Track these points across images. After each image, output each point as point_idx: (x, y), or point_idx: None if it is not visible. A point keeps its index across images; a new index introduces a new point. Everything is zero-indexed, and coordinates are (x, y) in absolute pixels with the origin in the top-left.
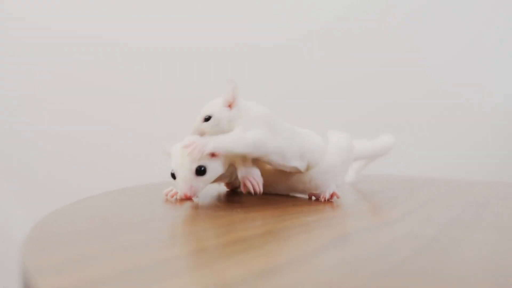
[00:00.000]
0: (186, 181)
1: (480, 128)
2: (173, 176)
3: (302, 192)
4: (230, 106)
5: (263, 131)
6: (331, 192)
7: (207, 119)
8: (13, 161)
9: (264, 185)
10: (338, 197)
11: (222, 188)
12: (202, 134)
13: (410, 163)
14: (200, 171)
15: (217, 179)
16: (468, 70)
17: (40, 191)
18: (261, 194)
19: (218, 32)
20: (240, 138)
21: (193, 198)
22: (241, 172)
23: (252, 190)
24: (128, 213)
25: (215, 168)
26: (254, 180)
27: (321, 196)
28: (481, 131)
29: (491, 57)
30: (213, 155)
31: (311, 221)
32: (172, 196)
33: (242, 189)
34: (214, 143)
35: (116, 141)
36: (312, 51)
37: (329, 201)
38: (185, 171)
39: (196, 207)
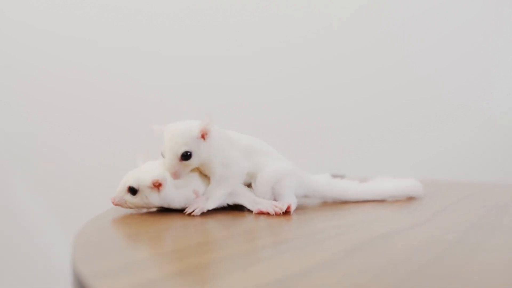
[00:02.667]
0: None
1: (489, 130)
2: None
3: None
4: (203, 137)
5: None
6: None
7: (187, 156)
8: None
9: None
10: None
11: None
12: (180, 169)
13: (418, 165)
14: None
15: None
16: (478, 72)
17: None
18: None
19: (219, 40)
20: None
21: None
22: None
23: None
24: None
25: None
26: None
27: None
28: (491, 134)
29: (497, 61)
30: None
31: (341, 225)
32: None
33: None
34: (211, 203)
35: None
36: (321, 52)
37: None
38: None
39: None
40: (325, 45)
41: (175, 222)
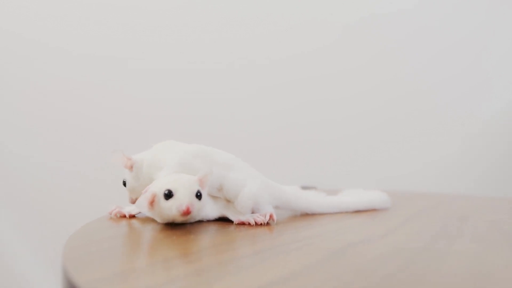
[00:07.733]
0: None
1: (468, 143)
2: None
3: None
4: (130, 168)
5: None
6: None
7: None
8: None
9: None
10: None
11: None
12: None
13: (400, 177)
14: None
15: None
16: (463, 89)
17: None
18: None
19: (220, 51)
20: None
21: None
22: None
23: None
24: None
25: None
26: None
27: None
28: (469, 147)
29: (490, 76)
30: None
31: (311, 235)
32: (116, 215)
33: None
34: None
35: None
36: (313, 66)
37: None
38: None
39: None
40: (321, 60)
41: (158, 233)
